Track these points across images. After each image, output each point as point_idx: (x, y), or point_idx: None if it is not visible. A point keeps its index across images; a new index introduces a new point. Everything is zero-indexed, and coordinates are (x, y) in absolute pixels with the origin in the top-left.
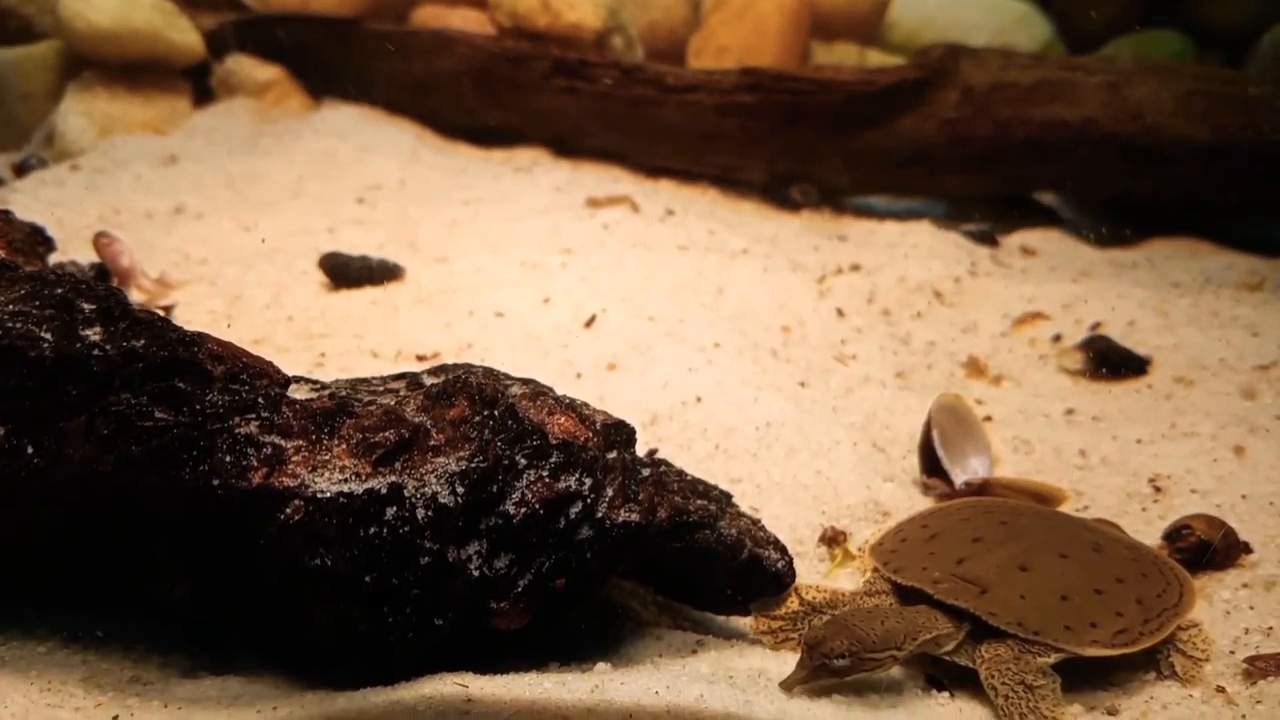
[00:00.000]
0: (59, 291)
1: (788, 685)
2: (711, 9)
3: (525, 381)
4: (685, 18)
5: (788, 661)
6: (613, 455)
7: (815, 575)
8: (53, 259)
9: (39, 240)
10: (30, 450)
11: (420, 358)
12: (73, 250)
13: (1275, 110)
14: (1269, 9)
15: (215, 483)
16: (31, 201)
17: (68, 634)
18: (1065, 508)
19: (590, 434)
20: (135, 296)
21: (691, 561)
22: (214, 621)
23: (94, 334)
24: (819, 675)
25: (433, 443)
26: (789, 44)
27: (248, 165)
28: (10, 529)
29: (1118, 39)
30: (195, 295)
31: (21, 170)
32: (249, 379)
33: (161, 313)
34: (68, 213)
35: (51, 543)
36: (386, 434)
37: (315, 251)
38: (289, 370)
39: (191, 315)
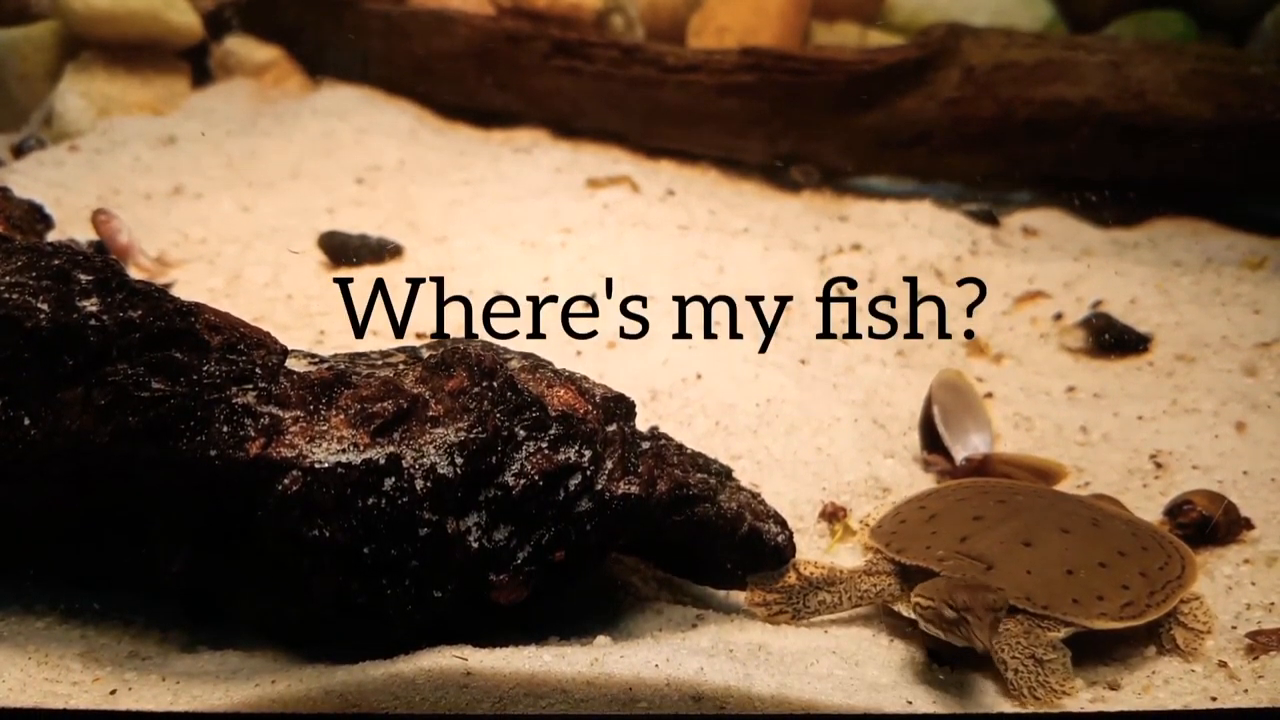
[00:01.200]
0: (56, 263)
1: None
2: None
3: (524, 355)
4: None
5: (787, 636)
6: (612, 428)
7: (815, 551)
8: (51, 237)
9: (37, 218)
10: (27, 421)
11: (420, 336)
12: (72, 229)
13: (1277, 89)
14: None
15: (213, 453)
16: (30, 182)
17: (66, 609)
18: (1066, 484)
19: (590, 407)
20: (134, 274)
21: (691, 535)
22: (213, 595)
23: (91, 304)
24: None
25: (431, 413)
26: (790, 24)
27: (246, 145)
28: (7, 502)
29: (1120, 19)
30: (194, 274)
31: (20, 151)
32: (246, 349)
33: None
34: (66, 193)
35: (49, 515)
36: (385, 404)
37: (314, 232)
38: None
39: (191, 293)
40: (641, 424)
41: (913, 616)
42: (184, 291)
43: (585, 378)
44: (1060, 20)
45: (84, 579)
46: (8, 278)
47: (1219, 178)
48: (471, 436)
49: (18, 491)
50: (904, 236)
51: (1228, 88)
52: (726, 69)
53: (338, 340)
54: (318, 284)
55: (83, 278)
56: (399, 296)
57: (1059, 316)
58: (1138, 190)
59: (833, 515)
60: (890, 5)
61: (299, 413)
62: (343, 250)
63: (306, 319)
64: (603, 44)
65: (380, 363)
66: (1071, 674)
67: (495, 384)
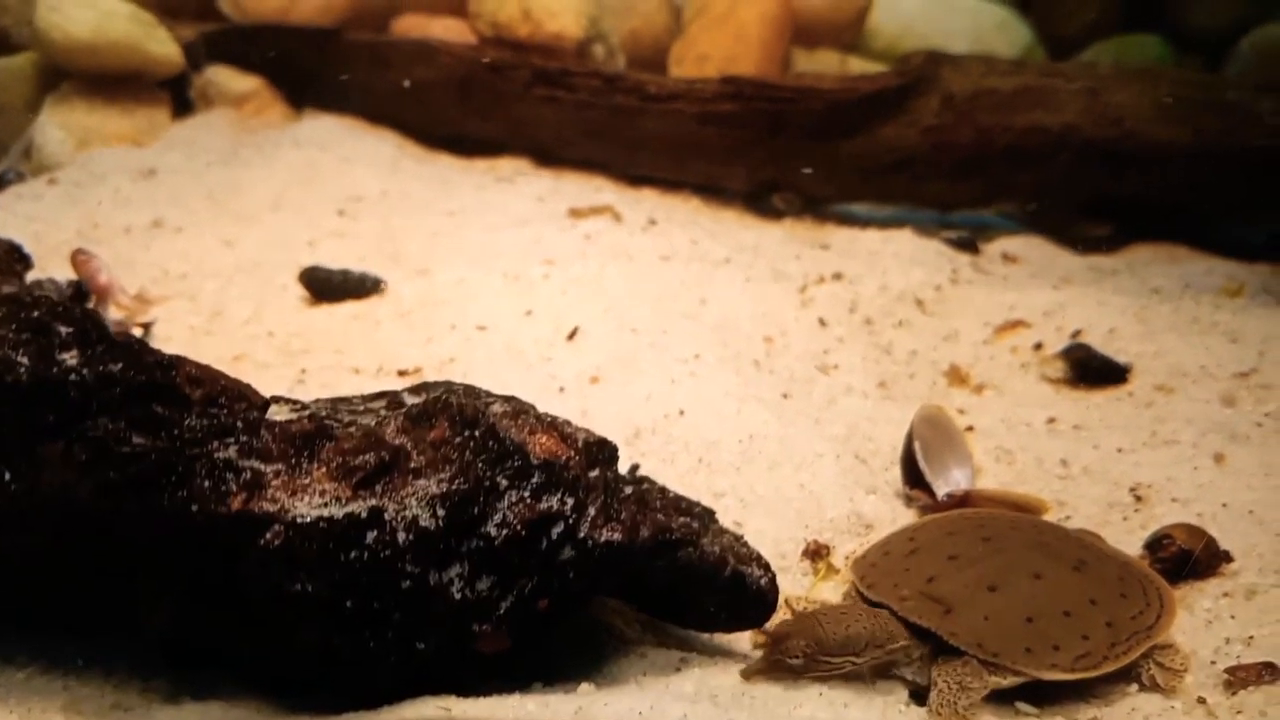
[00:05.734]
0: (35, 314)
1: (746, 674)
2: (692, 17)
3: (507, 399)
4: (667, 25)
5: (774, 677)
6: (595, 474)
7: (799, 590)
8: (30, 276)
9: (16, 258)
10: (8, 476)
11: (402, 373)
12: (51, 266)
13: (1254, 115)
14: (1249, 12)
15: (194, 508)
16: (9, 216)
17: (47, 660)
18: (1047, 519)
19: (572, 453)
20: (114, 313)
21: (675, 579)
22: (196, 644)
23: (71, 358)
24: (776, 669)
25: (413, 465)
26: (770, 51)
27: (227, 177)
28: None
29: (1098, 43)
30: (175, 311)
31: None
32: (227, 402)
33: (140, 330)
34: (45, 227)
35: (31, 567)
36: (366, 457)
37: (296, 265)
38: (270, 387)
39: (171, 331)
40: (625, 461)
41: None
42: (165, 329)
43: (567, 422)
44: (1038, 44)
45: (66, 627)
46: None
47: (1197, 203)
48: (453, 488)
49: None
50: (885, 265)
51: (1205, 113)
52: (707, 98)
53: (319, 378)
54: (299, 320)
55: (62, 330)
56: (381, 331)
57: (1039, 346)
58: (1117, 215)
59: (815, 553)
60: (870, 31)
61: (280, 466)
62: (324, 286)
63: (288, 356)
64: (584, 73)
65: (362, 408)
66: (979, 705)
67: (477, 433)
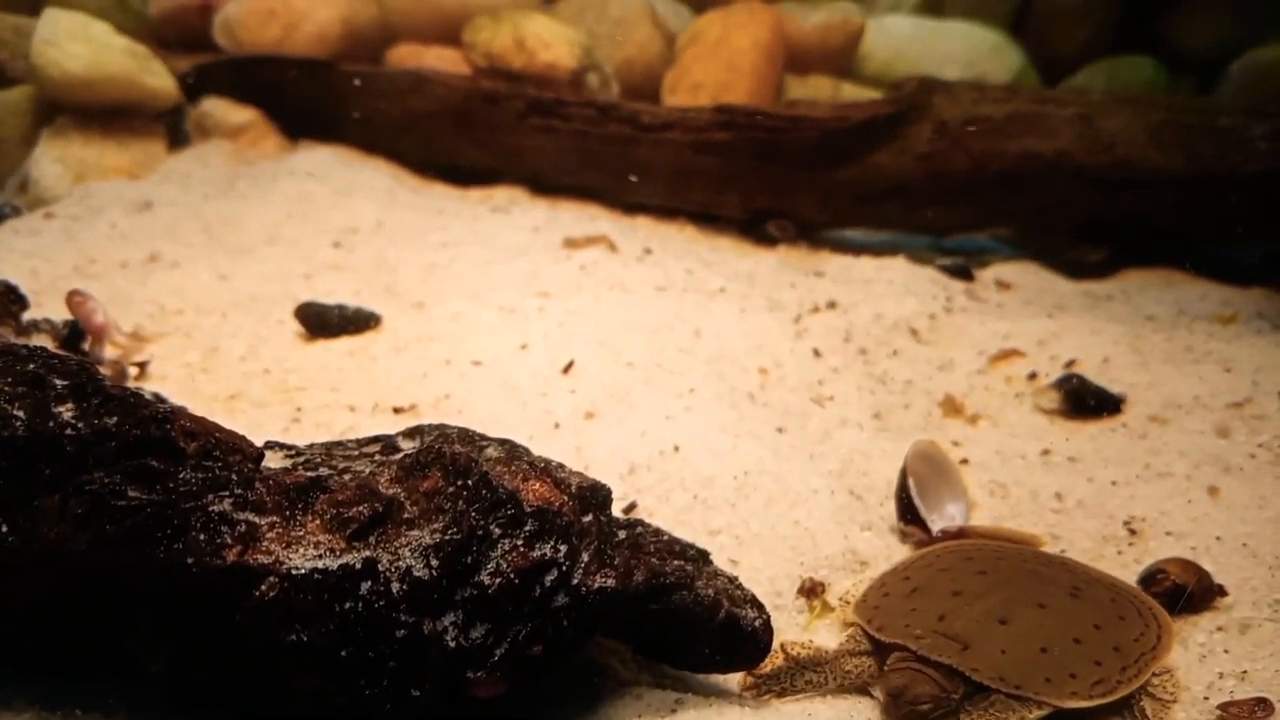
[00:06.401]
0: (31, 367)
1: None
2: (685, 45)
3: (501, 442)
4: (660, 53)
5: (768, 718)
6: (588, 519)
7: (795, 628)
8: (28, 315)
9: (12, 299)
10: (5, 528)
11: (398, 410)
12: (47, 302)
13: (1246, 140)
14: (1240, 34)
15: (190, 561)
16: (6, 253)
17: (45, 705)
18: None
19: (565, 498)
20: (110, 353)
21: (669, 622)
22: (194, 688)
23: (66, 411)
24: None
25: (406, 515)
26: (763, 79)
27: (223, 210)
28: None
29: (1090, 65)
30: (171, 348)
31: None
32: (222, 455)
33: (136, 369)
34: (42, 263)
35: (30, 614)
36: (360, 508)
37: (292, 299)
38: (266, 427)
39: (167, 369)
40: (621, 498)
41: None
42: (160, 367)
43: (561, 466)
44: (1031, 68)
45: (66, 670)
46: None
47: (1190, 227)
48: (447, 538)
49: None
50: (879, 293)
51: (1197, 139)
52: (701, 127)
53: (315, 417)
54: (295, 356)
55: (58, 382)
56: (377, 368)
57: (1033, 376)
58: (1110, 240)
59: (811, 591)
60: (862, 56)
61: (275, 518)
62: (320, 321)
63: (284, 394)
64: (578, 103)
65: (357, 453)
66: None
67: (470, 482)
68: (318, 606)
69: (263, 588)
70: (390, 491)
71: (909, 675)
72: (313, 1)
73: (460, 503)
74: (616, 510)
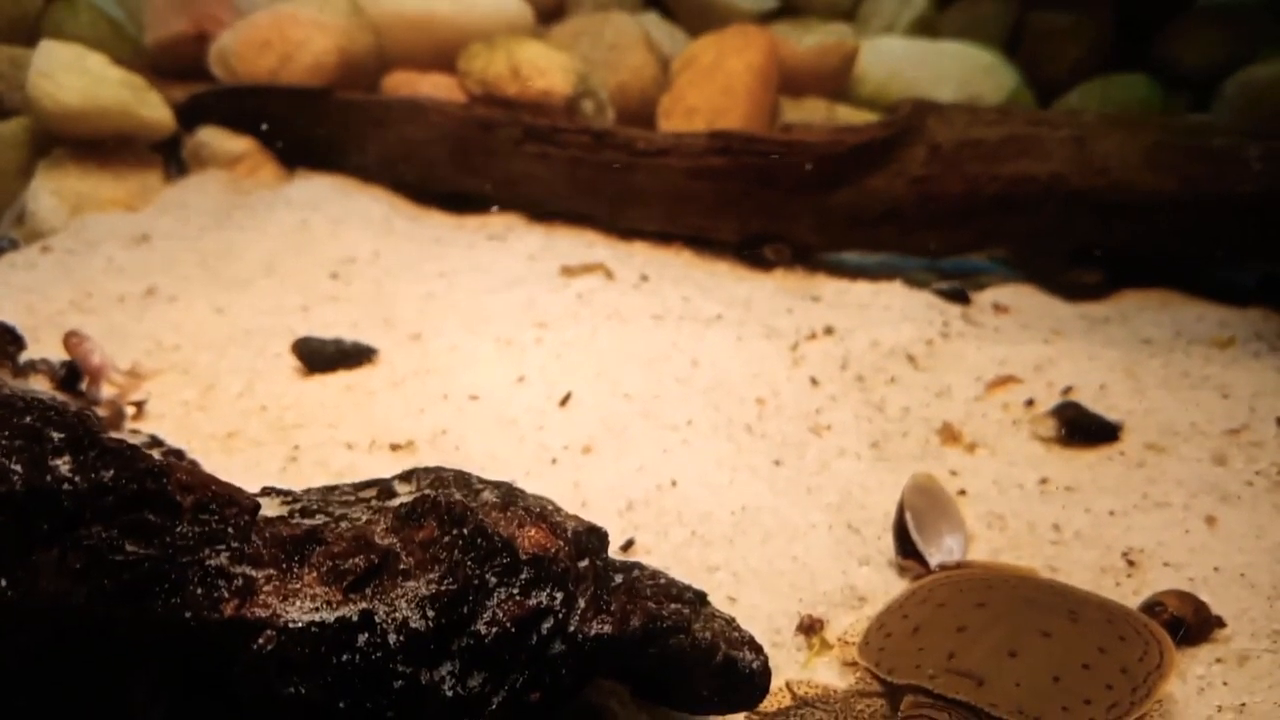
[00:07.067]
0: (28, 420)
1: None
2: (680, 69)
3: (497, 485)
4: (655, 78)
5: None
6: (585, 564)
7: (794, 665)
8: (25, 355)
9: (9, 340)
10: (4, 582)
11: (395, 447)
12: (45, 337)
13: (1240, 161)
14: (1235, 51)
15: (188, 615)
16: (3, 287)
17: None
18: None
19: (561, 544)
20: (107, 392)
21: (666, 666)
22: None
23: (63, 465)
24: None
25: (402, 566)
26: (758, 102)
27: (220, 241)
28: None
29: (1085, 83)
30: (167, 385)
31: None
32: (218, 508)
33: (133, 409)
34: (39, 298)
35: (29, 664)
36: (356, 560)
37: (289, 332)
38: (263, 466)
39: (164, 408)
40: (619, 534)
41: None
42: (158, 405)
43: (558, 509)
44: (1025, 86)
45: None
46: None
47: (1186, 248)
48: (443, 589)
49: None
50: (876, 319)
51: (1192, 161)
52: (696, 152)
53: (313, 455)
54: (292, 393)
55: (55, 435)
56: (375, 403)
57: (1030, 402)
58: (1107, 262)
59: (809, 628)
60: (857, 78)
61: (272, 571)
62: (317, 357)
63: (281, 432)
64: (573, 129)
65: (353, 499)
66: None
67: (465, 531)
68: (315, 659)
69: (260, 641)
70: (386, 542)
71: (927, 716)
72: (309, 31)
73: (456, 552)
74: (615, 546)
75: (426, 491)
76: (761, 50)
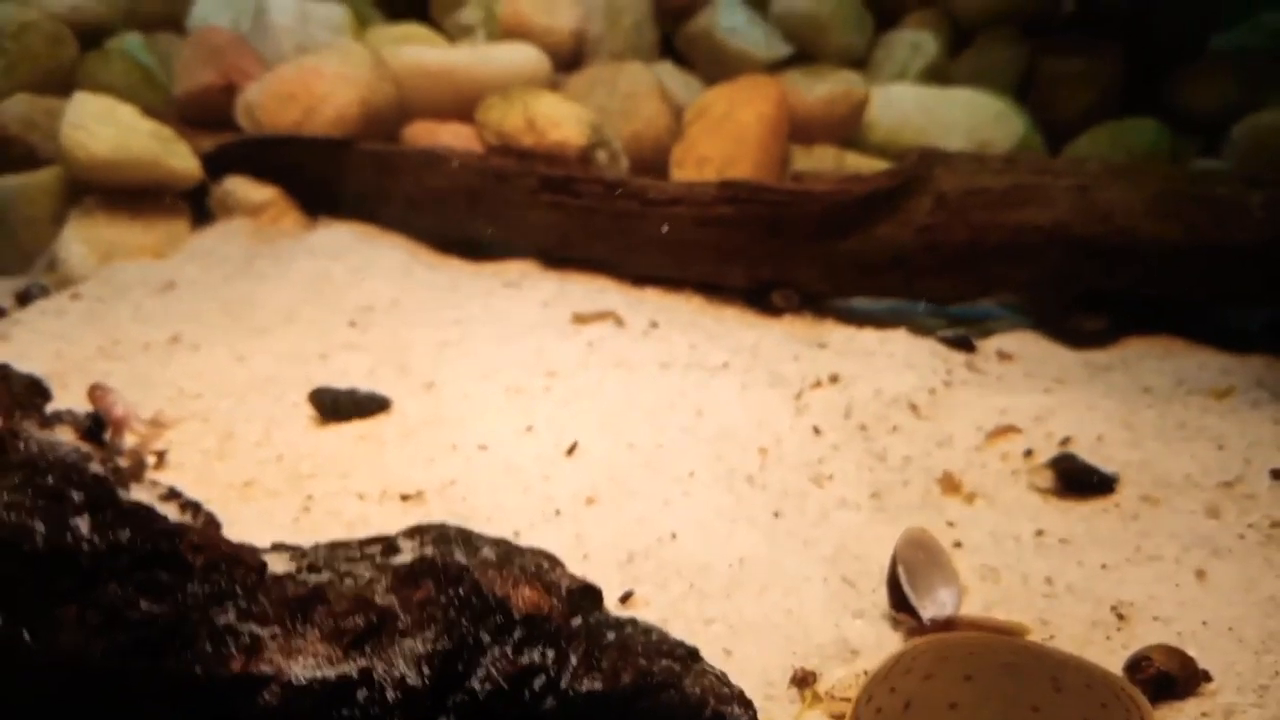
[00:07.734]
0: (50, 481)
1: None
2: (692, 119)
3: (497, 543)
4: (668, 127)
5: None
6: (577, 622)
7: (787, 718)
8: (50, 405)
9: (36, 392)
10: (27, 637)
11: (405, 497)
12: (73, 383)
13: (1243, 209)
14: (1245, 96)
15: (198, 670)
16: (34, 335)
17: None
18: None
19: (555, 602)
20: (129, 441)
21: None
22: None
23: (83, 524)
24: None
25: (400, 625)
26: (769, 151)
27: (243, 290)
28: (9, 709)
29: (1094, 128)
30: (188, 434)
31: (24, 299)
32: (227, 568)
33: (154, 459)
34: (67, 345)
35: (45, 714)
36: (356, 619)
37: (307, 380)
38: (277, 517)
39: (184, 457)
40: (619, 586)
41: None
42: (178, 455)
43: (554, 566)
44: (1035, 132)
45: None
46: (6, 496)
47: (1189, 296)
48: (438, 647)
49: (18, 700)
50: (880, 366)
51: (1195, 209)
52: (706, 201)
53: (325, 505)
54: (308, 442)
55: (75, 495)
56: (387, 453)
57: (1029, 453)
58: (1111, 309)
59: (802, 681)
60: (867, 125)
61: (277, 629)
62: (332, 406)
63: (296, 482)
64: (587, 179)
65: (359, 555)
66: None
67: (461, 590)
68: (317, 714)
69: (266, 695)
70: (385, 601)
71: None
72: (332, 84)
73: (451, 611)
74: (614, 598)
75: (426, 551)
76: (772, 100)
